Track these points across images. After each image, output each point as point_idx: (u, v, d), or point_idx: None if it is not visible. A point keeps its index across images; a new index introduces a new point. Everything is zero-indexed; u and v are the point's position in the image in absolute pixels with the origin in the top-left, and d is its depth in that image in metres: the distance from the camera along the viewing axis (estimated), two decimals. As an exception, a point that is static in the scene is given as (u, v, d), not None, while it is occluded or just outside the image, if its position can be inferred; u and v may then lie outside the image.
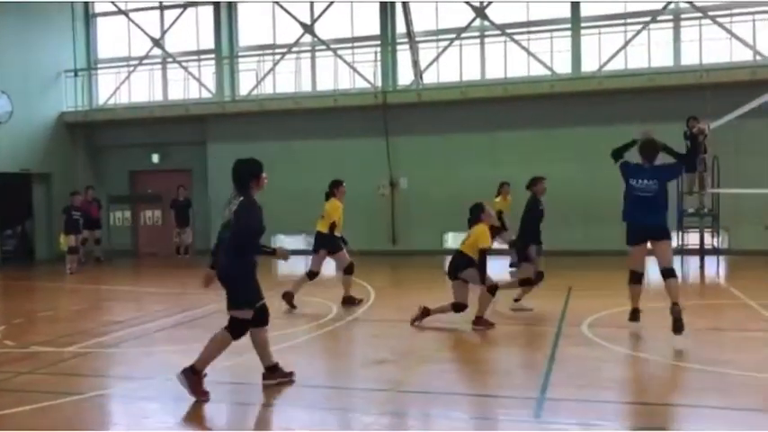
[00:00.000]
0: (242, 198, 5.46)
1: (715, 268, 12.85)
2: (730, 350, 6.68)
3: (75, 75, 18.53)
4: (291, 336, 7.57)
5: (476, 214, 8.17)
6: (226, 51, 18.10)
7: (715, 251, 13.48)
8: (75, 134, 18.64)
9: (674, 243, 14.38)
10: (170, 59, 18.52)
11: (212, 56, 18.17)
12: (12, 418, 5.07)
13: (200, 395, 5.29)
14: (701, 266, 12.82)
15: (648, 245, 7.15)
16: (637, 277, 7.32)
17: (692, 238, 13.64)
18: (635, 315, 7.33)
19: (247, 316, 5.41)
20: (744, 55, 14.97)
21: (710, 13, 15.18)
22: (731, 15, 15.13)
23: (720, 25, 15.03)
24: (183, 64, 18.32)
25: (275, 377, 5.66)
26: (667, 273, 6.85)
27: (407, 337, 7.67)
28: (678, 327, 6.63)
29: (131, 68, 18.69)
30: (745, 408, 4.98)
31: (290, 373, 5.73)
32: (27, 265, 16.67)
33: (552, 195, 16.53)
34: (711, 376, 5.74)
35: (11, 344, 7.51)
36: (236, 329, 5.42)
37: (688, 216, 13.39)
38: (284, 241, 17.08)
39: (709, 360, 6.15)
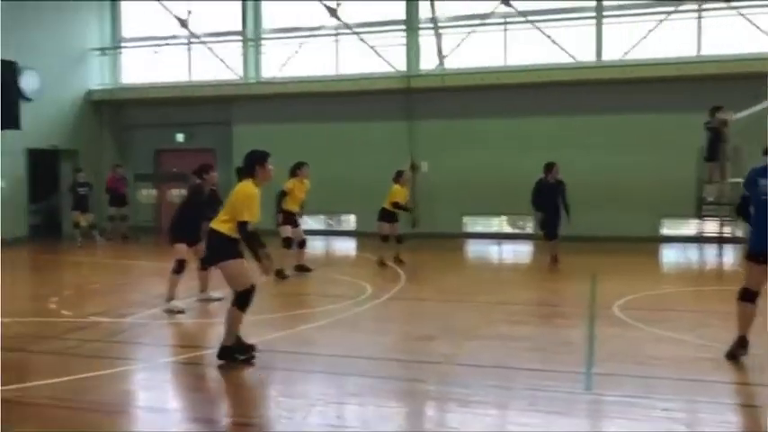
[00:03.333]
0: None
1: (733, 256, 13.15)
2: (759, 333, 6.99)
3: (102, 53, 18.77)
4: (331, 312, 7.92)
5: None
6: (251, 33, 18.31)
7: (734, 239, 13.77)
8: (101, 112, 18.92)
9: (693, 231, 14.88)
10: (196, 40, 18.73)
11: (238, 37, 18.38)
12: (92, 381, 5.41)
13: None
14: (720, 254, 13.14)
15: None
16: (751, 295, 5.83)
17: (711, 227, 13.98)
18: (743, 344, 5.84)
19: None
20: (766, 45, 15.15)
21: (733, 4, 15.35)
22: (754, 6, 15.30)
23: (743, 15, 15.20)
24: (209, 45, 18.53)
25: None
26: None
27: (445, 314, 8.01)
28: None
29: (157, 48, 18.91)
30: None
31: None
32: (55, 240, 17.03)
33: (575, 182, 16.91)
34: (750, 356, 6.05)
35: (68, 313, 7.86)
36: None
37: (707, 205, 13.69)
38: (307, 222, 17.39)
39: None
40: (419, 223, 14.78)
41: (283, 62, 17.95)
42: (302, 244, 11.03)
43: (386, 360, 6.15)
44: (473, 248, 15.65)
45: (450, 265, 12.84)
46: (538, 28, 16.40)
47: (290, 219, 10.75)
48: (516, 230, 17.27)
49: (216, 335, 6.84)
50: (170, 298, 7.91)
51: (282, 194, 10.72)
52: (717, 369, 5.88)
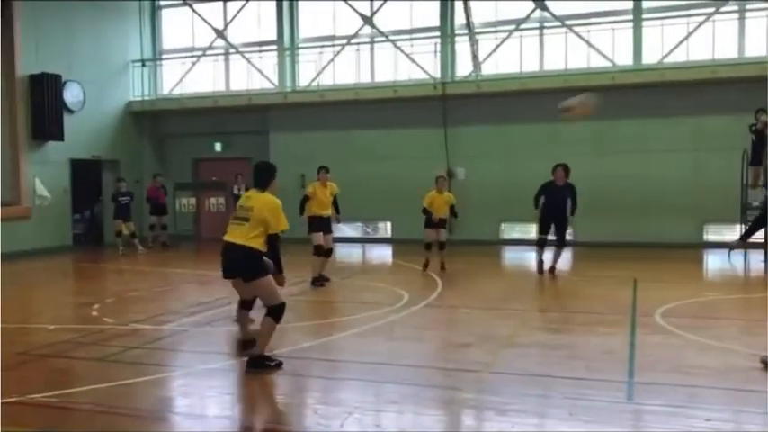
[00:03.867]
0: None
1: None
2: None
3: (143, 65, 19.17)
4: (367, 320, 7.91)
5: None
6: (287, 42, 18.51)
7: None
8: (141, 122, 19.31)
9: (737, 236, 14.48)
10: (233, 50, 19.01)
11: (274, 47, 18.59)
12: (133, 387, 5.50)
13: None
14: (765, 260, 12.77)
15: None
16: None
17: (756, 232, 13.56)
18: None
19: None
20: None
21: (777, 4, 14.99)
22: (799, 6, 14.93)
23: (787, 16, 14.83)
24: (246, 55, 18.79)
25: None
26: None
27: (483, 322, 7.95)
28: None
29: (195, 59, 19.24)
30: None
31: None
32: (97, 249, 17.40)
33: (612, 187, 16.68)
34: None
35: (110, 321, 8.00)
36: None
37: (752, 209, 13.32)
38: (343, 229, 17.46)
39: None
40: (456, 230, 14.74)
41: (319, 70, 18.10)
42: (328, 253, 10.86)
43: (423, 367, 6.12)
44: (510, 255, 15.52)
45: (488, 272, 12.74)
46: (574, 32, 16.24)
47: (320, 225, 10.67)
48: (554, 237, 17.03)
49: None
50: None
51: (305, 199, 10.75)
52: (762, 379, 5.71)
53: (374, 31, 17.88)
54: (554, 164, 11.60)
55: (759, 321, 6.91)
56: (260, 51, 18.81)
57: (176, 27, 19.71)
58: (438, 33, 17.29)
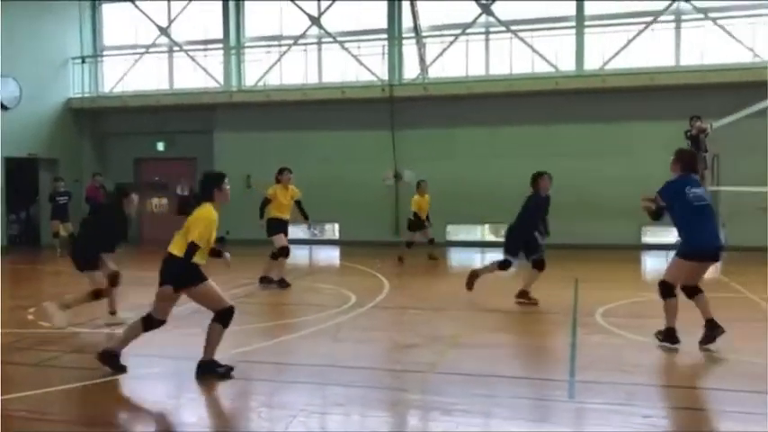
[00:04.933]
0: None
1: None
2: (740, 339, 7.05)
3: (83, 62, 18.62)
4: (314, 322, 7.87)
5: None
6: (233, 41, 18.28)
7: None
8: (81, 120, 18.75)
9: (675, 239, 14.99)
10: (177, 48, 18.66)
11: (220, 45, 18.33)
12: (70, 393, 5.33)
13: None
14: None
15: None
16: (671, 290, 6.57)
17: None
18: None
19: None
20: (743, 56, 15.39)
21: (711, 15, 15.58)
22: (731, 18, 15.54)
23: (720, 27, 15.44)
24: (191, 53, 18.47)
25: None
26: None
27: (429, 323, 8.00)
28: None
29: (138, 56, 18.81)
30: (754, 390, 5.35)
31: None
32: (34, 250, 16.81)
33: (554, 190, 16.92)
34: (724, 362, 6.15)
35: (47, 324, 7.73)
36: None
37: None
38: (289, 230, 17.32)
39: (723, 348, 6.54)
40: (403, 232, 14.80)
41: (265, 70, 17.93)
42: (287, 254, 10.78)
43: (370, 369, 6.12)
44: (456, 257, 15.67)
45: (434, 273, 12.83)
46: (519, 37, 16.53)
47: (280, 227, 10.54)
48: (499, 238, 17.30)
49: (192, 345, 6.76)
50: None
51: (266, 202, 10.61)
52: (697, 376, 5.92)
53: (322, 31, 17.83)
54: (534, 171, 9.72)
55: (692, 321, 7.15)
56: (205, 50, 18.52)
57: (118, 23, 19.23)
58: (386, 35, 17.35)
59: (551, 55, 16.41)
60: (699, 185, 6.62)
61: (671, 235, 15.00)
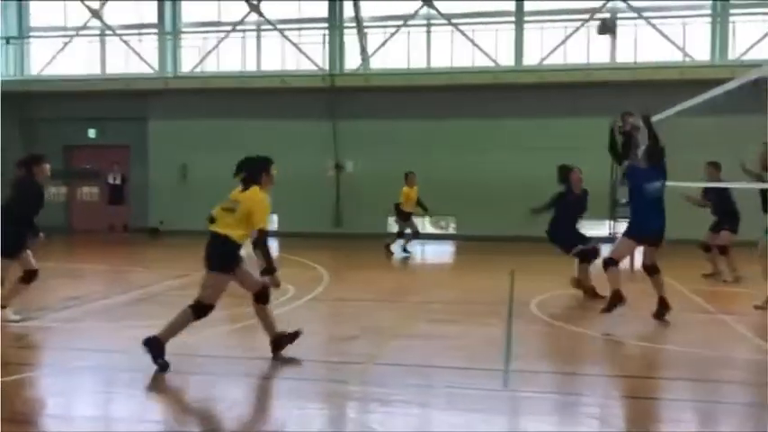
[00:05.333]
0: None
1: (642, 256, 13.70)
2: (669, 329, 7.31)
3: (7, 42, 17.79)
4: (250, 315, 7.70)
5: None
6: (169, 26, 17.79)
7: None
8: (6, 105, 17.86)
9: (606, 232, 15.44)
10: (109, 32, 18.04)
11: (155, 30, 17.81)
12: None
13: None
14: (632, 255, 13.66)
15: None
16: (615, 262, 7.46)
17: (624, 227, 14.50)
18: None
19: None
20: (674, 55, 15.93)
21: (645, 14, 16.05)
22: (663, 18, 16.06)
23: (653, 26, 15.93)
24: (124, 37, 17.89)
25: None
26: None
27: (368, 314, 7.99)
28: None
29: (68, 39, 18.09)
30: (680, 378, 5.56)
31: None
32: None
33: (493, 183, 17.24)
34: (653, 351, 6.35)
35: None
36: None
37: (620, 206, 14.21)
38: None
39: (650, 338, 6.78)
40: (343, 223, 14.77)
41: (202, 56, 17.53)
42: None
43: (307, 361, 6.05)
44: (397, 249, 15.69)
45: (374, 265, 12.83)
46: (460, 30, 16.66)
47: None
48: (439, 231, 17.50)
49: (126, 337, 6.58)
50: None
51: None
52: (628, 365, 6.10)
53: (261, 18, 17.54)
54: (560, 164, 9.95)
55: (623, 309, 7.38)
56: (139, 34, 17.97)
57: (46, 3, 18.44)
58: (326, 24, 17.20)
59: (491, 49, 16.61)
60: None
61: (604, 227, 15.62)
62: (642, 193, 7.42)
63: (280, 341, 5.90)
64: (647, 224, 7.38)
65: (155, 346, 5.45)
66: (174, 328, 5.57)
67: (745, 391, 5.25)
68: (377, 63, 17.17)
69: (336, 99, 16.77)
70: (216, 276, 5.57)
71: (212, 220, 5.66)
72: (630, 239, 7.58)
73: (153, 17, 17.82)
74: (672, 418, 4.71)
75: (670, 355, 6.26)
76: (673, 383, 5.50)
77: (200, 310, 5.57)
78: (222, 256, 5.57)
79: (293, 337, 5.95)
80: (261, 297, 5.92)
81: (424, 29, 17.12)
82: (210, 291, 5.59)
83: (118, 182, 16.70)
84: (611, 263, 7.41)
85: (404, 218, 13.92)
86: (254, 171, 5.77)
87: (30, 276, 7.34)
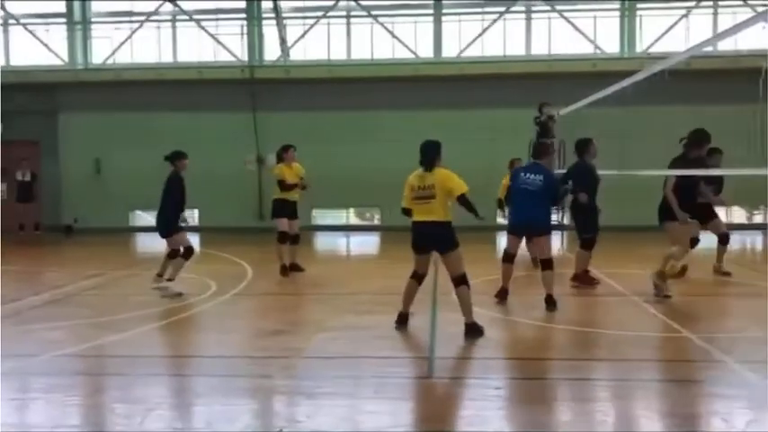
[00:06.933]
0: None
1: (561, 243, 14.21)
2: (587, 312, 7.61)
3: None
4: (172, 312, 7.58)
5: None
6: (78, 16, 17.06)
7: (560, 227, 14.84)
8: None
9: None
10: (13, 21, 17.14)
11: (63, 20, 17.04)
12: None
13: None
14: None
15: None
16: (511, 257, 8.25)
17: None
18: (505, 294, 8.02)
19: None
20: (587, 48, 16.51)
21: (557, 8, 16.55)
22: (575, 11, 16.60)
23: (566, 19, 16.44)
24: (29, 27, 17.03)
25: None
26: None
27: (294, 309, 7.97)
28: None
29: (-32, 28, 17.11)
30: (603, 358, 5.81)
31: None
32: None
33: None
34: (574, 334, 6.60)
35: None
36: None
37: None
38: (142, 217, 16.55)
39: (572, 321, 7.03)
40: (266, 217, 14.53)
41: (115, 47, 16.92)
42: (295, 239, 10.25)
43: (232, 358, 5.97)
44: (322, 241, 15.68)
45: (299, 257, 12.73)
46: (379, 22, 16.70)
47: (285, 210, 10.08)
48: (364, 222, 17.59)
49: (39, 340, 6.32)
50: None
51: (282, 184, 10.02)
52: (547, 348, 6.30)
53: (176, 8, 17.06)
54: (578, 139, 9.49)
55: (540, 296, 7.63)
56: (46, 24, 17.15)
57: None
58: (245, 15, 16.91)
59: (411, 41, 16.74)
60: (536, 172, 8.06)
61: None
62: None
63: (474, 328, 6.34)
64: (515, 216, 8.25)
65: (476, 331, 6.25)
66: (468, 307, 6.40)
67: (660, 369, 5.53)
68: (297, 55, 17.02)
69: (257, 91, 16.53)
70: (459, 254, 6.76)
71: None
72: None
73: (61, 7, 17.04)
74: (589, 397, 4.91)
75: (589, 337, 6.51)
76: (594, 364, 5.73)
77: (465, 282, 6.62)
78: (449, 240, 6.76)
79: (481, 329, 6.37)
80: (462, 281, 6.69)
81: (344, 20, 17.07)
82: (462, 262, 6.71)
83: (27, 179, 15.95)
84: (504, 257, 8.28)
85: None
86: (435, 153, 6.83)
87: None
